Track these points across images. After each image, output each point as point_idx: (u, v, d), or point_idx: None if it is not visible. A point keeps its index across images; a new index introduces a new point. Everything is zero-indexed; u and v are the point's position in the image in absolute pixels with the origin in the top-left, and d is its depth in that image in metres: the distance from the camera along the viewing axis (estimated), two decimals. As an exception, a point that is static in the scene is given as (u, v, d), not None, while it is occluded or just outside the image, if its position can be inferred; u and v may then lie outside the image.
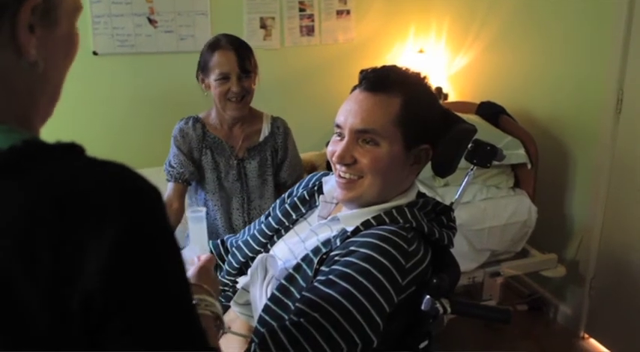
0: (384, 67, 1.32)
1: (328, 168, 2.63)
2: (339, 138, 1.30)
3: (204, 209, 1.35)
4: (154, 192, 0.60)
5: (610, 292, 2.66)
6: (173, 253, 0.61)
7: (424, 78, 1.32)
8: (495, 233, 2.63)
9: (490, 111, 2.87)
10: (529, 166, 2.68)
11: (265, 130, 2.21)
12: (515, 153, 2.65)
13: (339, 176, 1.29)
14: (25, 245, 0.53)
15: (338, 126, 1.29)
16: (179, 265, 0.62)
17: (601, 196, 2.63)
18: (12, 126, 0.63)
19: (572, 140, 2.77)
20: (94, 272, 0.53)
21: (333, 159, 1.28)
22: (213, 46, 2.06)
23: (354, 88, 1.32)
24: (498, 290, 2.65)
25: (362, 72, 1.31)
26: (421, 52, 3.67)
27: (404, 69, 1.32)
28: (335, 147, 1.29)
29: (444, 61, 3.63)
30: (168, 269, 0.61)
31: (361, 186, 1.27)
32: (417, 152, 1.29)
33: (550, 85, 2.86)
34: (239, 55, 2.03)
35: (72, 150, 0.60)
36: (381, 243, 1.16)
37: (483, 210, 2.64)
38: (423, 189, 2.52)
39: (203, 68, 2.09)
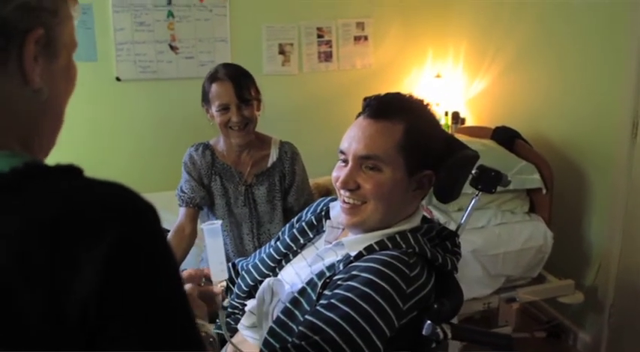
0: (387, 94, 1.35)
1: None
2: (343, 163, 1.32)
3: (219, 221, 1.38)
4: (149, 209, 0.63)
5: (630, 319, 2.62)
6: (168, 264, 0.64)
7: (427, 105, 1.35)
8: (510, 258, 2.61)
9: (505, 136, 2.87)
10: (544, 191, 2.67)
11: (273, 156, 2.24)
12: (530, 178, 2.65)
13: (343, 201, 1.31)
14: (25, 258, 0.56)
15: (342, 152, 1.32)
16: (174, 275, 0.65)
17: (618, 221, 2.60)
18: (15, 151, 0.68)
19: (588, 164, 2.76)
20: (89, 283, 0.56)
21: (337, 184, 1.31)
22: (212, 77, 2.12)
23: (358, 114, 1.35)
24: (514, 316, 2.62)
25: (366, 99, 1.34)
26: (438, 76, 3.70)
27: (407, 96, 1.35)
28: (339, 173, 1.31)
29: (461, 86, 3.65)
30: (163, 279, 0.63)
31: (364, 212, 1.29)
32: (420, 178, 1.31)
33: (566, 110, 2.86)
34: (236, 85, 2.06)
35: (70, 172, 0.64)
36: (382, 268, 1.18)
37: (498, 235, 2.63)
38: (437, 214, 2.55)
39: (205, 99, 2.15)
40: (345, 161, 1.31)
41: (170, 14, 3.27)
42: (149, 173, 3.26)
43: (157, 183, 2.83)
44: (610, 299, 2.69)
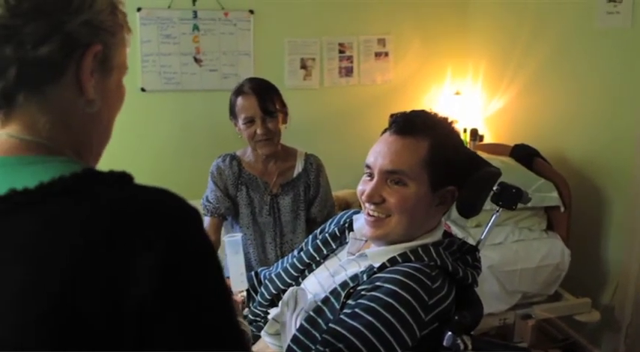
0: (413, 112, 1.39)
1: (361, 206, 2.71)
2: (368, 178, 1.36)
3: (240, 234, 1.42)
4: (195, 214, 0.68)
5: (646, 339, 2.62)
6: (214, 266, 0.69)
7: (451, 122, 1.39)
8: (527, 275, 2.63)
9: (524, 154, 2.89)
10: (562, 209, 2.69)
11: (299, 167, 2.28)
12: (549, 195, 2.66)
13: (368, 214, 1.35)
14: (85, 263, 0.61)
15: (368, 166, 1.36)
16: (219, 274, 0.69)
17: (636, 239, 2.61)
18: (70, 157, 0.74)
19: (606, 183, 2.77)
20: (144, 286, 0.60)
21: (363, 197, 1.35)
22: (238, 91, 2.18)
23: (384, 130, 1.39)
24: (530, 332, 2.63)
25: (392, 116, 1.38)
26: (457, 94, 3.73)
27: (432, 113, 1.39)
28: (364, 187, 1.35)
29: (480, 103, 3.68)
30: (210, 280, 0.68)
31: (388, 225, 1.33)
32: (443, 193, 1.35)
33: (584, 128, 2.88)
34: (260, 98, 2.12)
35: (123, 179, 0.69)
36: (405, 280, 1.21)
37: (515, 251, 2.65)
38: (455, 230, 2.58)
39: (232, 112, 2.21)
40: (371, 175, 1.35)
41: (195, 27, 3.34)
42: (172, 182, 3.24)
43: (179, 191, 2.85)
44: (627, 318, 2.69)
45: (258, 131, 2.13)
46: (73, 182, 0.66)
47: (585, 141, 2.88)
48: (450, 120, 1.39)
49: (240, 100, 2.16)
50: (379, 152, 1.34)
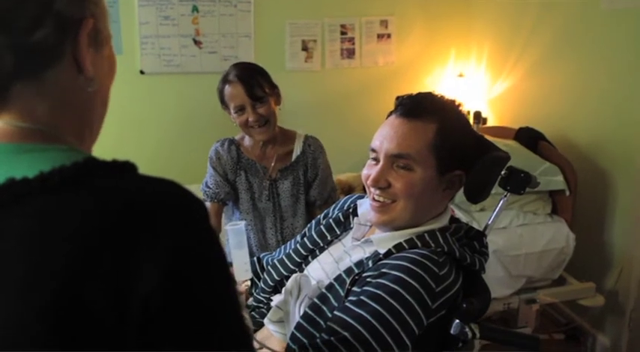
0: (419, 94, 1.35)
1: (365, 190, 2.68)
2: (374, 162, 1.33)
3: (243, 222, 1.39)
4: (201, 207, 0.66)
5: (651, 324, 2.61)
6: (220, 259, 0.67)
7: (459, 105, 1.35)
8: (531, 259, 2.60)
9: (529, 137, 2.85)
10: (567, 193, 2.66)
11: (297, 150, 2.25)
12: (554, 179, 2.63)
13: (373, 199, 1.32)
14: (90, 256, 0.58)
15: (373, 150, 1.33)
16: (226, 268, 0.67)
17: (642, 224, 2.58)
18: (71, 144, 0.70)
19: (611, 167, 2.73)
20: (150, 280, 0.58)
21: (368, 182, 1.31)
22: (224, 80, 2.13)
23: (390, 113, 1.36)
24: (534, 317, 2.61)
25: (398, 98, 1.35)
26: (461, 76, 3.68)
27: (439, 96, 1.35)
28: (370, 171, 1.32)
29: (484, 86, 3.64)
30: (217, 273, 0.65)
31: (394, 210, 1.30)
32: (450, 178, 1.32)
33: (590, 112, 2.84)
34: (247, 85, 2.07)
35: (126, 168, 0.66)
36: (412, 266, 1.18)
37: (520, 235, 2.62)
38: (459, 214, 2.55)
39: (222, 101, 2.16)
40: (376, 159, 1.32)
41: (195, 9, 3.28)
42: (172, 165, 3.28)
43: (180, 175, 2.80)
44: (631, 303, 2.67)
45: (250, 118, 2.09)
46: (74, 172, 0.63)
47: (591, 125, 2.84)
48: (457, 103, 1.35)
49: (227, 89, 2.11)
50: (385, 135, 1.30)
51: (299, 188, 2.23)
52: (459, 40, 3.74)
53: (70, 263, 0.58)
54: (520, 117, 3.27)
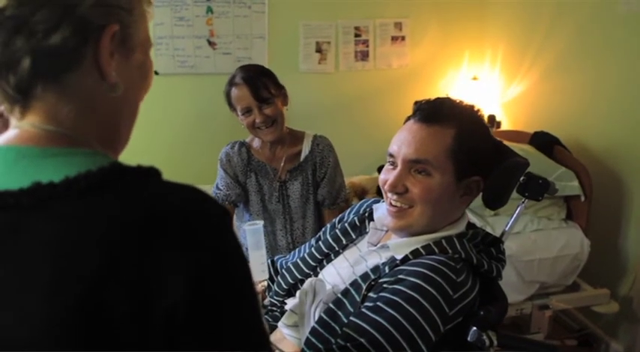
0: (437, 99, 1.34)
1: (379, 193, 2.67)
2: (391, 166, 1.32)
3: (261, 222, 1.39)
4: (225, 214, 0.66)
5: (665, 332, 2.58)
6: (244, 265, 0.67)
7: (477, 110, 1.34)
8: (545, 265, 2.58)
9: (544, 141, 2.83)
10: (582, 199, 2.63)
11: (306, 150, 2.24)
12: (569, 185, 2.61)
13: (390, 204, 1.31)
14: (115, 263, 0.58)
15: (391, 155, 1.32)
16: (249, 277, 0.67)
17: (657, 231, 2.56)
18: (96, 149, 0.70)
19: (627, 172, 2.71)
20: (177, 289, 0.58)
21: (385, 187, 1.30)
22: (230, 83, 2.15)
23: (408, 118, 1.35)
24: (547, 323, 2.59)
25: (416, 103, 1.34)
26: (475, 79, 3.66)
27: (457, 101, 1.35)
28: (387, 176, 1.31)
29: (498, 89, 3.62)
30: (241, 280, 0.66)
31: (411, 215, 1.29)
32: (468, 183, 1.31)
33: (605, 117, 2.81)
34: (253, 87, 2.08)
35: (151, 174, 0.66)
36: (429, 273, 1.18)
37: (534, 241, 2.60)
38: (473, 218, 2.54)
39: (230, 104, 2.17)
40: (394, 164, 1.31)
41: (209, 10, 3.29)
42: (186, 166, 3.27)
43: (193, 176, 2.82)
44: (645, 310, 2.65)
45: (257, 119, 2.09)
46: (100, 177, 0.63)
47: (605, 129, 2.82)
48: (476, 108, 1.34)
49: (234, 92, 2.13)
50: (403, 140, 1.29)
51: (308, 188, 2.23)
52: (473, 43, 3.72)
53: (96, 268, 0.58)
54: (534, 121, 3.25)
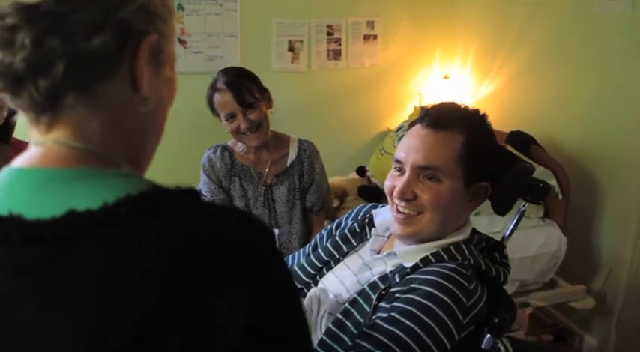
0: (444, 104, 1.34)
1: (360, 194, 2.65)
2: (398, 173, 1.30)
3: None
4: (271, 235, 0.63)
5: (638, 325, 2.64)
6: (293, 289, 0.65)
7: (484, 115, 1.34)
8: (525, 263, 2.61)
9: (520, 141, 2.85)
10: (560, 197, 2.67)
11: (292, 154, 2.20)
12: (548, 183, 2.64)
13: (398, 211, 1.29)
14: (168, 292, 0.53)
15: (398, 161, 1.30)
16: (298, 300, 0.65)
17: (631, 227, 2.61)
18: (127, 169, 0.65)
19: (600, 170, 2.76)
20: (236, 320, 0.54)
21: (394, 194, 1.28)
22: (213, 88, 2.08)
23: (413, 123, 1.33)
24: (527, 320, 2.63)
25: (423, 108, 1.33)
26: (446, 78, 3.68)
27: (463, 106, 1.34)
28: (395, 183, 1.29)
29: (469, 88, 3.64)
30: (292, 302, 0.63)
31: (420, 222, 1.27)
32: (476, 189, 1.30)
33: (578, 115, 2.86)
34: (236, 92, 2.02)
35: (191, 196, 0.61)
36: (443, 281, 1.16)
37: (513, 240, 2.61)
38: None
39: (212, 110, 2.11)
40: (402, 170, 1.29)
41: (180, 7, 3.20)
42: (155, 167, 3.20)
43: (164, 180, 2.76)
44: (619, 305, 2.71)
45: (242, 125, 2.03)
46: (142, 203, 0.57)
47: (579, 129, 2.87)
48: (482, 113, 1.33)
49: (216, 97, 2.06)
50: (411, 146, 1.27)
51: (295, 193, 2.19)
52: (444, 42, 3.74)
53: (143, 309, 0.52)
54: (506, 120, 3.27)
